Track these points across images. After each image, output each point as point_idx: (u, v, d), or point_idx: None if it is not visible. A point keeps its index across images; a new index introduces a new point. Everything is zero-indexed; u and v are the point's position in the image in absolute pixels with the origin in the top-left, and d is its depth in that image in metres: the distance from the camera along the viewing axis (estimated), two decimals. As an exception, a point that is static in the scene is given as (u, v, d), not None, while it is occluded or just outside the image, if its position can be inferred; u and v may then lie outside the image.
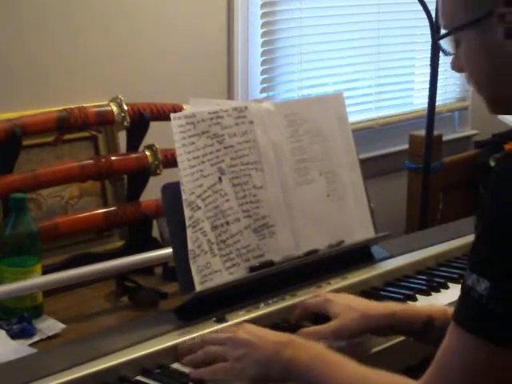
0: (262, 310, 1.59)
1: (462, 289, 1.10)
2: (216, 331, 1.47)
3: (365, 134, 2.98)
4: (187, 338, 1.46)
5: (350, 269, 1.80)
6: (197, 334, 1.47)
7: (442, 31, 1.22)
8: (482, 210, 1.10)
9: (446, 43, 1.23)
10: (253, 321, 1.53)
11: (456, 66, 1.23)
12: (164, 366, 1.41)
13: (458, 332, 1.09)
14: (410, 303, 1.69)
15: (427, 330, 1.46)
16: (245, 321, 1.53)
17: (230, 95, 2.56)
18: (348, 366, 1.26)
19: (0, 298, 1.60)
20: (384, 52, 3.11)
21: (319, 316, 1.55)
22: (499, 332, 1.06)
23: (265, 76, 2.69)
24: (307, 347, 1.31)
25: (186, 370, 1.39)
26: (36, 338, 1.57)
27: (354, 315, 1.49)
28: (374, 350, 1.54)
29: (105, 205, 2.03)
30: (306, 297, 1.66)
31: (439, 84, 2.68)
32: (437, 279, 1.83)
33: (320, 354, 1.29)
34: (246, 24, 2.57)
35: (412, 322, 1.48)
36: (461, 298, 1.11)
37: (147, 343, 1.44)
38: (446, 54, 1.24)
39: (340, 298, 1.55)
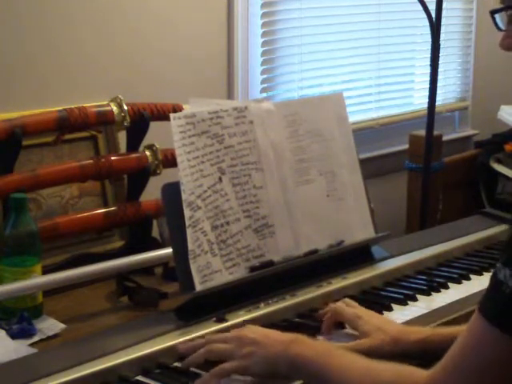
0: (262, 310, 1.59)
1: (492, 282, 1.07)
2: (217, 333, 1.45)
3: (365, 133, 2.98)
4: (187, 338, 1.46)
5: (349, 269, 1.80)
6: (197, 334, 1.47)
7: (498, 5, 1.18)
8: None
9: (500, 18, 1.18)
10: (253, 321, 1.53)
11: (505, 44, 1.19)
12: (164, 365, 1.41)
13: (483, 324, 1.06)
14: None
15: None
16: (245, 321, 1.53)
17: (230, 95, 2.56)
18: (354, 359, 1.26)
19: (0, 297, 1.60)
20: (384, 52, 3.11)
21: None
22: None
23: (265, 76, 2.69)
24: (314, 344, 1.32)
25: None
26: (36, 338, 1.56)
27: (385, 338, 1.45)
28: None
29: (105, 205, 2.03)
30: (306, 297, 1.66)
31: (439, 84, 2.68)
32: (437, 279, 1.83)
33: (326, 349, 1.30)
34: (245, 24, 2.57)
35: (444, 346, 1.42)
36: (489, 290, 1.08)
37: (147, 343, 1.44)
38: (498, 29, 1.19)
39: (371, 317, 1.52)
